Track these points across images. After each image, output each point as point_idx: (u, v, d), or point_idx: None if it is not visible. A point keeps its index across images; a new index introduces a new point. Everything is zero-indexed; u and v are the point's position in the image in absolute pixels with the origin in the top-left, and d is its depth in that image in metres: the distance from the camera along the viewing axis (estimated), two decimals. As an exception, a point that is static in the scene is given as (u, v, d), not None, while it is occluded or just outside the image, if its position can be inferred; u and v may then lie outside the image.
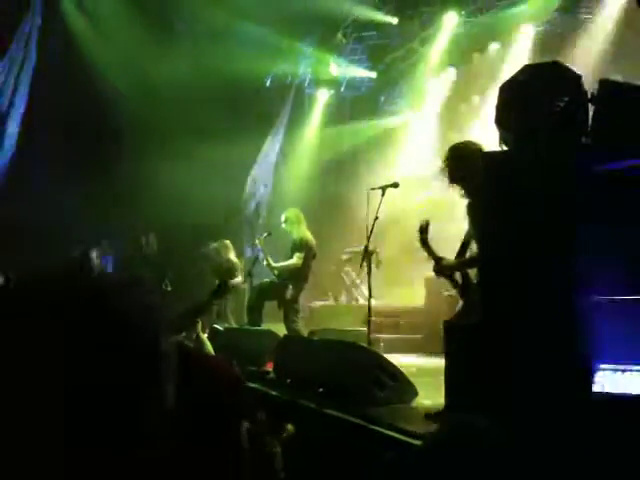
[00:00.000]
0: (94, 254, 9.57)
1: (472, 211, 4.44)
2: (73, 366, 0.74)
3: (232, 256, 10.27)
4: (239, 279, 9.70)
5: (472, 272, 4.51)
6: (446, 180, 4.59)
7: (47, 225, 9.85)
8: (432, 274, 4.89)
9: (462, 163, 4.44)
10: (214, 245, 10.37)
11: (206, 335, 7.75)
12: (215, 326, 8.26)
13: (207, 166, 11.22)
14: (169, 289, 4.81)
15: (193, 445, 1.47)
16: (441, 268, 4.60)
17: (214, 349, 6.85)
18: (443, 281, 5.03)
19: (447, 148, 4.72)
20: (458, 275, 4.59)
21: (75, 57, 10.61)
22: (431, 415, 4.21)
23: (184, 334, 6.43)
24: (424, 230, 4.69)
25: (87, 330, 0.75)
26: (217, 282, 5.53)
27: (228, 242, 10.38)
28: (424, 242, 4.68)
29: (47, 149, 10.31)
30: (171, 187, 10.95)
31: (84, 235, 10.02)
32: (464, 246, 4.57)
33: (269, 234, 9.42)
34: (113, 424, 0.76)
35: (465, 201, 4.54)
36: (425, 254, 4.73)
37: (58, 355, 0.74)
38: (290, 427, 2.83)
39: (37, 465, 0.72)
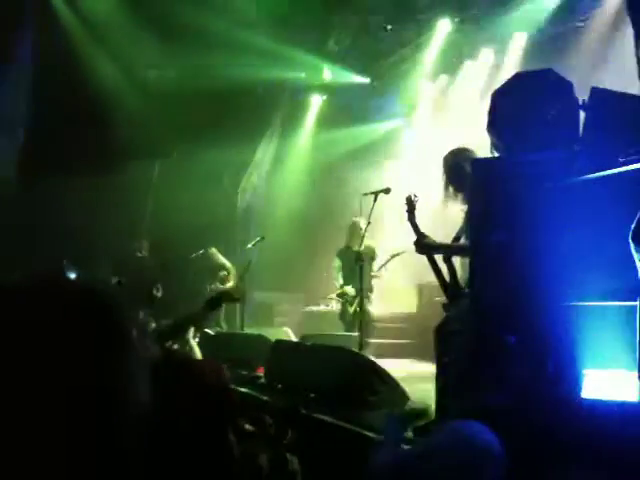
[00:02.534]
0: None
1: (467, 218, 4.44)
2: (39, 367, 0.72)
3: (224, 260, 10.27)
4: (231, 284, 9.71)
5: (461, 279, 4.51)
6: (445, 188, 4.59)
7: (43, 226, 9.82)
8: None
9: (459, 170, 4.45)
10: (201, 252, 10.36)
11: (197, 340, 7.74)
12: (206, 330, 8.25)
13: (200, 170, 11.21)
14: (159, 294, 4.80)
15: (177, 449, 1.46)
16: (422, 244, 4.59)
17: (205, 354, 6.83)
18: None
19: (443, 156, 4.71)
20: (446, 276, 4.57)
21: (69, 57, 10.58)
22: (419, 428, 4.15)
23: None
24: (411, 203, 4.70)
25: (47, 328, 0.74)
26: (213, 292, 5.50)
27: (214, 249, 10.38)
28: (410, 215, 4.69)
29: (43, 149, 10.28)
30: (163, 191, 10.94)
31: (76, 237, 9.97)
32: (456, 240, 4.57)
33: (262, 239, 9.42)
34: (80, 424, 0.73)
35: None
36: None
37: (22, 356, 0.72)
38: (292, 433, 2.83)
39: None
